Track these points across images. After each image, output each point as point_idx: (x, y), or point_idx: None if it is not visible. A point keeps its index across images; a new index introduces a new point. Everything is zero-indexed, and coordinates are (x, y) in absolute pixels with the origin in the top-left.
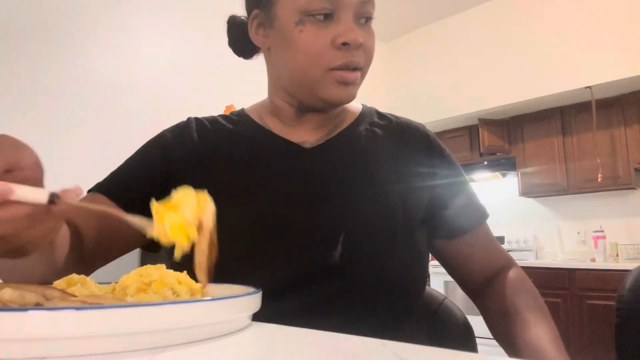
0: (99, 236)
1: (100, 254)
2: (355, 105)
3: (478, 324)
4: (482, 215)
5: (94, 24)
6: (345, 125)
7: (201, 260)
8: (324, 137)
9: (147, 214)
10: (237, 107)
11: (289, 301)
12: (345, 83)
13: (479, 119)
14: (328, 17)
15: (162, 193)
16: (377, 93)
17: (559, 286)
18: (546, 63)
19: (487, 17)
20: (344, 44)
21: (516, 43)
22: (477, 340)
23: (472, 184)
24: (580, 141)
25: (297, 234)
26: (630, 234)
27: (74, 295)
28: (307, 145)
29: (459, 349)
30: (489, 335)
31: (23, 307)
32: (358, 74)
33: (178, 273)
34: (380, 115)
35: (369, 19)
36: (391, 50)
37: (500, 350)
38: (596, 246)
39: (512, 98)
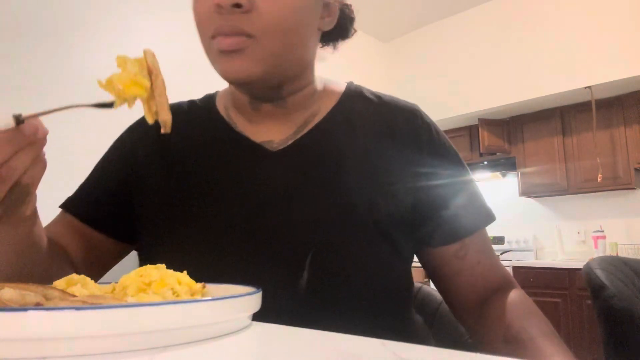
0: (86, 252)
1: (93, 268)
2: (337, 89)
3: None
4: (477, 222)
5: (94, 24)
6: (320, 116)
7: (162, 100)
8: (292, 135)
9: (119, 228)
10: None
11: None
12: (224, 52)
13: (479, 119)
14: None
15: (131, 202)
16: None
17: (559, 286)
18: (546, 63)
19: (487, 17)
20: (218, 6)
21: (516, 43)
22: None
23: None
24: (580, 141)
25: (255, 257)
26: (630, 234)
27: (74, 295)
28: (273, 147)
29: (459, 349)
30: None
31: (23, 307)
32: (237, 39)
33: (178, 273)
34: (365, 99)
35: None
36: (391, 50)
37: None
38: (596, 246)
39: (512, 98)
